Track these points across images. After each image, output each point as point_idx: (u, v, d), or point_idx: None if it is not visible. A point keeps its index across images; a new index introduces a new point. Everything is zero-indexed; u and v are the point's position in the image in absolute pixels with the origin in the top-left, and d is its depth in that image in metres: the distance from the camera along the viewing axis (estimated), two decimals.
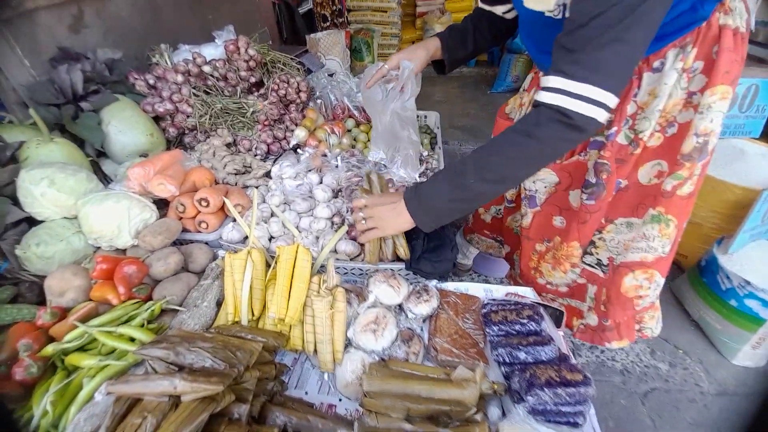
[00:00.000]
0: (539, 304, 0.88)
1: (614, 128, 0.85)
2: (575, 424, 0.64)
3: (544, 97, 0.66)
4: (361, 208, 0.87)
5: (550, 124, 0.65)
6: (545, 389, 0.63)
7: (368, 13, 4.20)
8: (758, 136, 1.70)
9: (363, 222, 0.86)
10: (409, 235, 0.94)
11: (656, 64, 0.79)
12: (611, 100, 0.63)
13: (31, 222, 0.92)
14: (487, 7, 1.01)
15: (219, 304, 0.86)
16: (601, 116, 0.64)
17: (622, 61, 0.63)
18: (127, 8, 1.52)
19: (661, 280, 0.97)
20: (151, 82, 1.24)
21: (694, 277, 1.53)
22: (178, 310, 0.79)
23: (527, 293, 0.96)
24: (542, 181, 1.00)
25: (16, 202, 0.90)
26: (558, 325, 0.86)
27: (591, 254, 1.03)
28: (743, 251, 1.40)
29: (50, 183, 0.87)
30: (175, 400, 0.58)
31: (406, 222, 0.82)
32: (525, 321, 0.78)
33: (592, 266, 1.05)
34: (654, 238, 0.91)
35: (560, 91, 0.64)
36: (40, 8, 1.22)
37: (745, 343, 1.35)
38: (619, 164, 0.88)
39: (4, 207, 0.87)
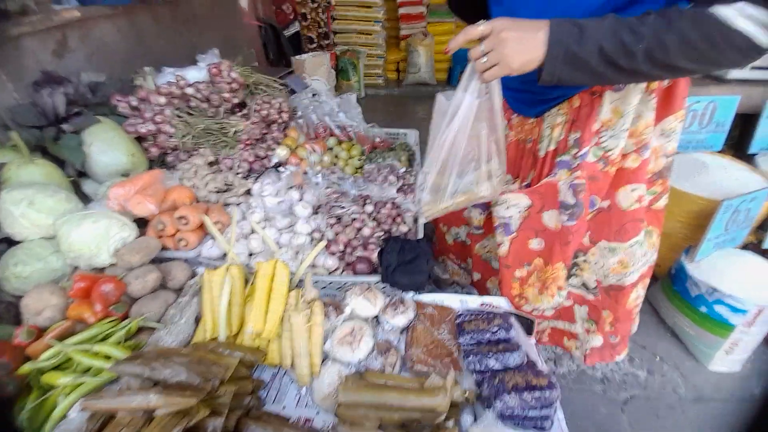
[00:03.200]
0: (511, 313, 0.91)
1: (585, 148, 0.88)
2: (542, 429, 0.67)
3: (752, 29, 0.58)
4: (484, 37, 0.68)
5: (746, 53, 0.61)
6: (512, 394, 0.66)
7: (353, 36, 4.36)
8: (719, 150, 1.82)
9: (483, 59, 0.68)
10: (383, 249, 0.97)
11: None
12: None
13: (9, 242, 0.92)
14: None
15: (198, 321, 0.87)
16: None
17: None
18: (111, 33, 1.57)
19: (648, 281, 1.05)
20: (134, 104, 1.27)
21: (667, 285, 1.59)
22: (155, 328, 0.80)
23: (501, 303, 1.00)
24: (516, 207, 1.00)
25: None
26: (529, 332, 0.90)
27: (576, 276, 1.06)
28: (710, 259, 1.47)
29: (29, 203, 0.88)
30: (150, 415, 0.59)
31: (535, 60, 0.66)
32: (495, 329, 0.81)
33: (578, 288, 1.08)
34: (647, 252, 0.98)
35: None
36: (24, 34, 1.26)
37: (718, 349, 1.40)
38: (592, 181, 0.91)
39: None
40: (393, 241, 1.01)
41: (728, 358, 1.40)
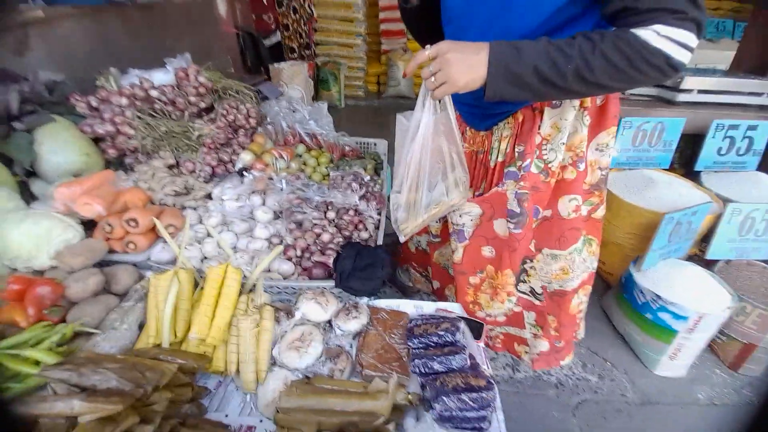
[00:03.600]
0: (462, 318, 0.93)
1: (528, 160, 0.93)
2: (480, 429, 0.69)
3: (668, 48, 0.64)
4: (431, 59, 0.75)
5: (664, 70, 0.66)
6: (451, 396, 0.68)
7: (335, 47, 4.42)
8: (667, 167, 1.95)
9: (432, 79, 0.76)
10: (339, 254, 0.98)
11: (555, 101, 0.90)
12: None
13: None
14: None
15: (142, 326, 0.85)
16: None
17: None
18: (76, 33, 1.54)
19: (590, 289, 1.11)
20: (94, 104, 1.24)
21: (618, 293, 1.67)
22: (92, 333, 0.77)
23: (455, 308, 1.02)
24: (468, 215, 1.05)
25: None
26: (478, 337, 0.92)
27: (525, 282, 1.11)
28: (656, 269, 1.55)
29: None
30: (73, 422, 0.57)
31: (479, 78, 0.73)
32: (442, 333, 0.83)
33: (526, 294, 1.12)
34: (586, 259, 1.04)
35: (684, 45, 0.64)
36: None
37: (663, 354, 1.47)
38: (534, 191, 0.96)
39: None
40: (350, 246, 1.02)
41: (673, 364, 1.47)
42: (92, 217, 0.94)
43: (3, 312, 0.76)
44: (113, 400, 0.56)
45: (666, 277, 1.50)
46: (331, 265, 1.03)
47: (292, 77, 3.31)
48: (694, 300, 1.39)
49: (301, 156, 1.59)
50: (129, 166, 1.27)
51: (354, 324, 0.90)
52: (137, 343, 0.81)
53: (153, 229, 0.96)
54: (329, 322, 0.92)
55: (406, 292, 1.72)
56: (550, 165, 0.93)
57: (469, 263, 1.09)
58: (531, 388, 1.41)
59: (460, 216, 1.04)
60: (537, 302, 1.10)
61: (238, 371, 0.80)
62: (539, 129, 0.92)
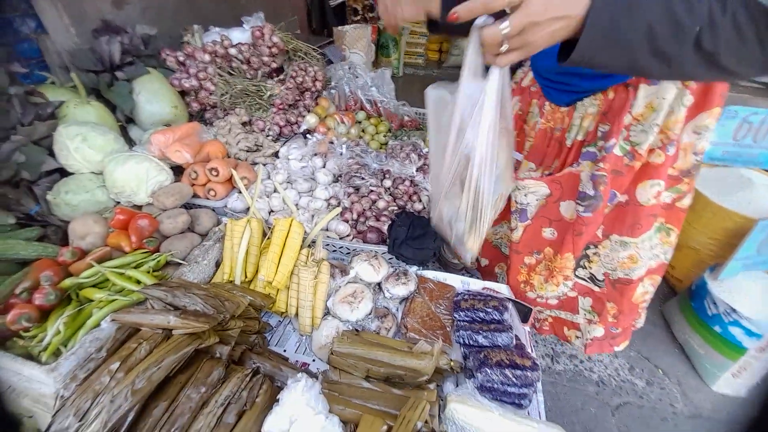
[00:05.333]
0: (510, 300, 0.93)
1: (612, 140, 0.85)
2: (519, 405, 0.70)
3: None
4: (510, 6, 0.49)
5: None
6: (494, 368, 0.70)
7: None
8: None
9: (504, 47, 0.52)
10: (394, 222, 1.01)
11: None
12: None
13: (63, 173, 1.04)
14: None
15: (217, 264, 0.96)
16: None
17: None
18: None
19: (659, 280, 1.03)
20: (181, 59, 1.34)
21: (684, 301, 1.54)
22: (180, 264, 0.89)
23: (502, 290, 1.02)
24: (534, 194, 1.00)
25: (51, 153, 1.01)
26: (525, 320, 0.92)
27: (584, 267, 1.05)
28: (735, 279, 1.40)
29: (83, 139, 0.98)
30: (168, 334, 0.68)
31: (565, 37, 0.52)
32: (489, 310, 0.84)
33: (585, 280, 1.07)
34: (656, 246, 0.96)
35: None
36: None
37: (726, 371, 1.36)
38: (615, 175, 0.89)
39: (41, 156, 0.98)
40: (404, 215, 1.05)
41: (735, 382, 1.36)
42: (181, 163, 1.06)
43: (111, 237, 0.89)
44: (201, 320, 0.66)
45: (744, 290, 1.35)
46: (384, 232, 1.06)
47: (355, 41, 3.27)
48: None
49: (360, 123, 1.61)
50: (208, 121, 1.37)
51: (402, 289, 0.93)
52: (214, 277, 0.92)
53: (230, 180, 1.06)
54: (379, 284, 0.96)
55: (448, 268, 1.72)
56: (637, 147, 0.84)
57: (527, 243, 1.05)
58: (570, 381, 1.39)
59: (525, 195, 1.00)
60: (596, 289, 1.05)
61: (296, 315, 0.88)
62: (631, 108, 0.82)
